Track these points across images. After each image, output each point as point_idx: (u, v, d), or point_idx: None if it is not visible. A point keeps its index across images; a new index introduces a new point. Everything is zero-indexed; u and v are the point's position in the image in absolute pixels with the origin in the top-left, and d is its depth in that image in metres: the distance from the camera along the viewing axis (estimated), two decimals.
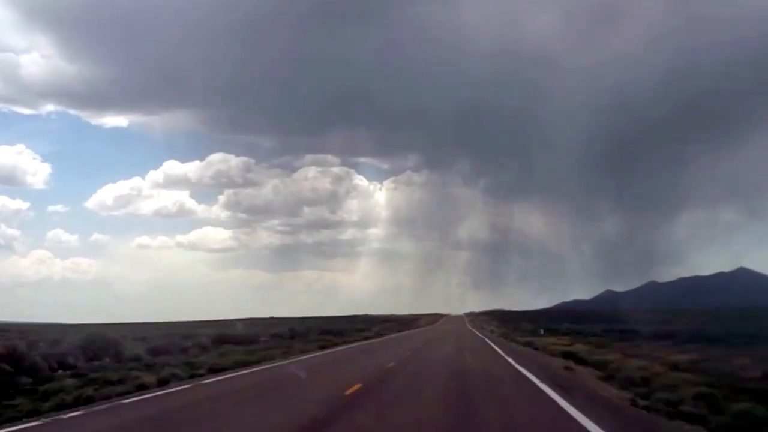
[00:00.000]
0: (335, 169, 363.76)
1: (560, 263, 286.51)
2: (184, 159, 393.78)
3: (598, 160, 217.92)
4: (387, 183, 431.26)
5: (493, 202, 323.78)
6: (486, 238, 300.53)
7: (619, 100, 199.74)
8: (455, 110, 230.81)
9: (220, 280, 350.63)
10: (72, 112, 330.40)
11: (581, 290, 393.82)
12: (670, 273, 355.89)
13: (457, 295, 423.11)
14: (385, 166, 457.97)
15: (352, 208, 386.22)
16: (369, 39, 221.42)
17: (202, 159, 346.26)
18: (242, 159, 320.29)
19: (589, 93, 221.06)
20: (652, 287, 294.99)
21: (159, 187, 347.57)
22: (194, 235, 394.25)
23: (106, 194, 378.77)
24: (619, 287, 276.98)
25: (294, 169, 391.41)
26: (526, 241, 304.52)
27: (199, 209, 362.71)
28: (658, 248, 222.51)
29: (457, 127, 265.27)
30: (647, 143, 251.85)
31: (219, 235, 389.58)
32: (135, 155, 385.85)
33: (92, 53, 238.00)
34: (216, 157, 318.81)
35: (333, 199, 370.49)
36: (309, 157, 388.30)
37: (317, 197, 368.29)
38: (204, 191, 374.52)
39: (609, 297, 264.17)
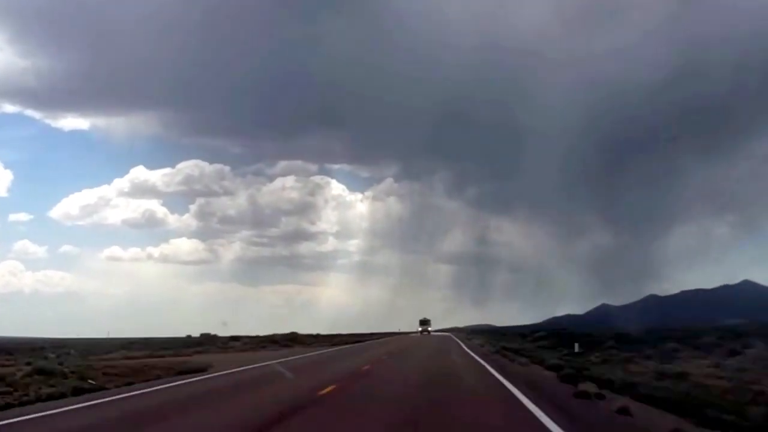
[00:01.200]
0: (311, 177, 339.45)
1: (548, 276, 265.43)
2: (151, 165, 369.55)
3: (595, 165, 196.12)
4: (367, 192, 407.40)
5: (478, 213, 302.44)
6: (470, 251, 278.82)
7: (617, 98, 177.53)
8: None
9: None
10: (28, 112, 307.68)
11: (573, 305, 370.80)
12: (670, 286, 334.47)
13: (440, 311, 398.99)
14: (365, 174, 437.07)
15: (324, 218, 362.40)
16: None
17: (172, 165, 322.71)
18: (215, 166, 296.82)
19: (582, 89, 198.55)
20: (652, 301, 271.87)
21: (126, 196, 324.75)
22: (166, 247, 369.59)
23: (71, 203, 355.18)
24: (616, 301, 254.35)
25: (269, 177, 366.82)
26: (511, 253, 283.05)
27: (171, 219, 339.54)
28: (658, 260, 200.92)
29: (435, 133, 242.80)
30: (646, 148, 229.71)
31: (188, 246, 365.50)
32: (98, 161, 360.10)
33: (49, 47, 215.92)
34: (186, 164, 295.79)
35: (302, 209, 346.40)
36: (282, 163, 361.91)
37: (287, 206, 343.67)
38: (174, 200, 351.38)
39: (604, 312, 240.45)
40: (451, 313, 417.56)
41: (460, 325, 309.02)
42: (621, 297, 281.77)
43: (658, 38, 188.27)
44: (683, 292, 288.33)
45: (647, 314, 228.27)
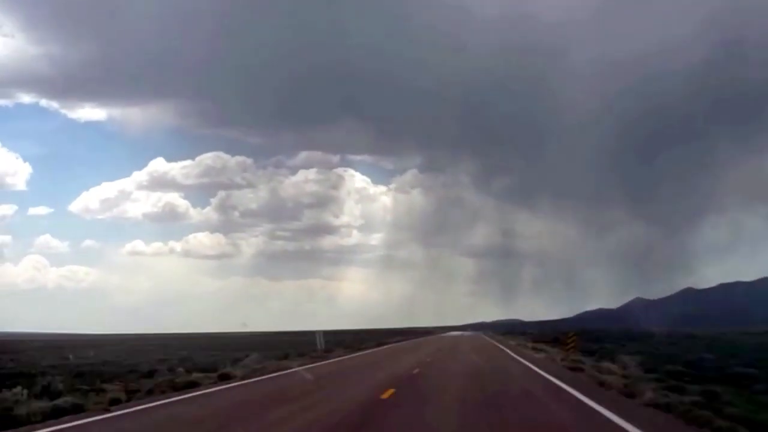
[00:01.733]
0: (334, 170, 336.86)
1: (579, 268, 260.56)
2: (171, 157, 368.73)
3: (633, 149, 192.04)
4: (391, 185, 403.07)
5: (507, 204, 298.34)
6: (497, 244, 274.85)
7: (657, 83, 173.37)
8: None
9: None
10: (44, 102, 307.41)
11: (605, 298, 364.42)
12: (708, 278, 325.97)
13: (464, 306, 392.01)
14: (389, 165, 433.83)
15: (346, 210, 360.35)
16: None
17: (192, 158, 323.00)
18: (236, 159, 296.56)
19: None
20: (689, 294, 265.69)
21: (146, 189, 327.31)
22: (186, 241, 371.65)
23: (90, 197, 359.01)
24: (650, 294, 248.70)
25: (291, 169, 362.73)
26: (540, 245, 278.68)
27: (192, 212, 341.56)
28: (695, 250, 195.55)
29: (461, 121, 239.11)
30: (687, 133, 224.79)
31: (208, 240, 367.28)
32: (116, 153, 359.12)
33: (63, 34, 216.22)
34: (206, 156, 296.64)
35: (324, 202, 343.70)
36: (303, 155, 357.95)
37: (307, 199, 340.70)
38: (195, 193, 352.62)
39: (638, 305, 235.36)
40: (477, 308, 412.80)
41: (487, 320, 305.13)
42: (656, 290, 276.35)
43: None
44: (722, 285, 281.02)
45: (683, 308, 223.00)
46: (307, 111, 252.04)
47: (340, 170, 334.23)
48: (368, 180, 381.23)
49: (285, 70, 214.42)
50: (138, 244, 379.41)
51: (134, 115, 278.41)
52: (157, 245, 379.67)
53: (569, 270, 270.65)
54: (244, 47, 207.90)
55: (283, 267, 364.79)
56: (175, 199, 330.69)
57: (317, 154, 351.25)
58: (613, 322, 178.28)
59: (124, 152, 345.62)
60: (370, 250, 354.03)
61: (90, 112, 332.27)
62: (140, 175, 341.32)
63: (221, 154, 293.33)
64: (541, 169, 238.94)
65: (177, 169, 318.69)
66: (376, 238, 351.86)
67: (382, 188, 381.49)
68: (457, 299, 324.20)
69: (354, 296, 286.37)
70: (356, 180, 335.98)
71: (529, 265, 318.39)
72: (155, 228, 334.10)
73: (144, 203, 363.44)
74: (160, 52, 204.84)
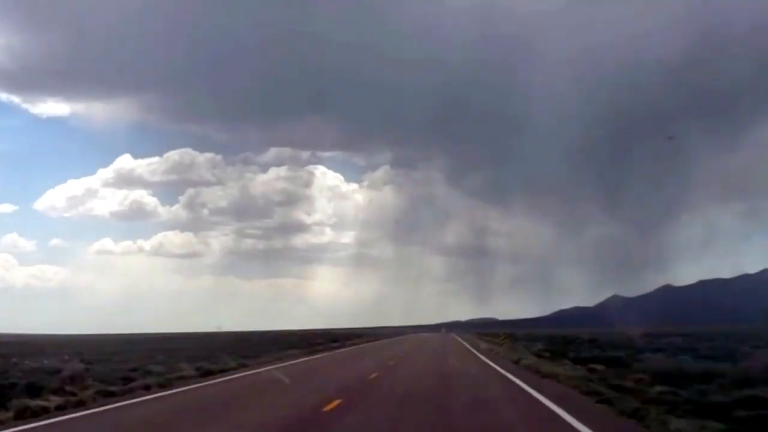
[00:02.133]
0: (306, 167, 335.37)
1: (555, 265, 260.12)
2: (137, 154, 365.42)
3: (606, 146, 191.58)
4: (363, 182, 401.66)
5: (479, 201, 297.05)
6: (470, 242, 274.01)
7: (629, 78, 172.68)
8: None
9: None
10: (4, 97, 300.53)
11: (582, 296, 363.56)
12: (686, 275, 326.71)
13: (438, 305, 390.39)
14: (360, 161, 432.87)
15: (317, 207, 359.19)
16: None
17: (159, 154, 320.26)
18: (205, 155, 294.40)
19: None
20: (667, 292, 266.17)
21: (112, 186, 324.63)
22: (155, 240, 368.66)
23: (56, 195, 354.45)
24: (628, 292, 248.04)
25: (260, 165, 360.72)
26: (514, 243, 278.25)
27: (161, 210, 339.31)
28: (673, 247, 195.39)
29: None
30: (661, 131, 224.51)
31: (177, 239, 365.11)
32: (80, 149, 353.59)
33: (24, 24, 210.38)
34: (174, 152, 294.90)
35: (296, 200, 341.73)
36: (272, 151, 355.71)
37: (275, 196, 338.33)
38: (163, 190, 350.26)
39: (616, 303, 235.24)
40: (450, 306, 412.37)
41: (462, 318, 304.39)
42: (633, 288, 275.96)
43: None
44: (700, 282, 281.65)
45: (662, 305, 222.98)
46: (274, 106, 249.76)
47: (310, 167, 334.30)
48: (341, 177, 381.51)
49: (251, 64, 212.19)
50: (106, 243, 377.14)
51: (98, 110, 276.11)
52: (125, 244, 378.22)
53: (545, 267, 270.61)
54: (209, 40, 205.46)
55: (254, 266, 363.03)
56: (143, 196, 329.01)
57: (287, 150, 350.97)
58: (590, 320, 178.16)
59: (89, 148, 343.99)
60: (342, 249, 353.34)
61: (53, 107, 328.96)
62: (106, 172, 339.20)
63: (189, 150, 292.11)
64: (513, 163, 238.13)
65: (144, 166, 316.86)
66: (348, 236, 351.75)
67: (354, 186, 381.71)
68: (430, 298, 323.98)
69: (326, 295, 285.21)
70: (328, 177, 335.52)
71: (504, 262, 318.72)
72: (123, 226, 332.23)
73: (111, 201, 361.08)
74: (122, 44, 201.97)
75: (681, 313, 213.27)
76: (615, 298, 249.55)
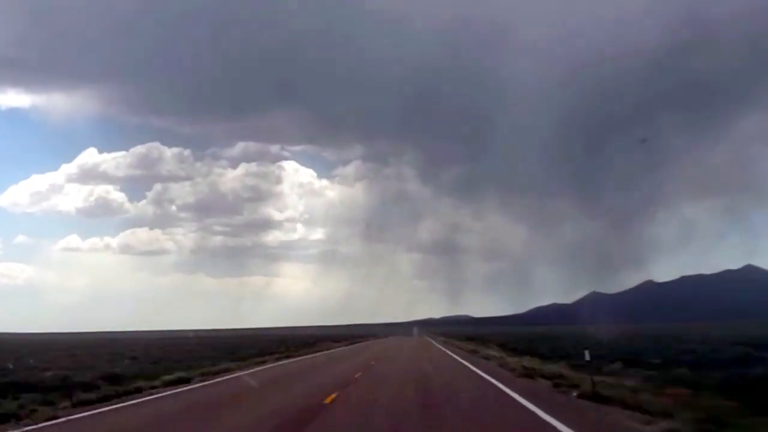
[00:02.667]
0: (278, 162, 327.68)
1: (531, 263, 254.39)
2: (102, 148, 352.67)
3: (583, 140, 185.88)
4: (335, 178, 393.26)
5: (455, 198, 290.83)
6: (443, 239, 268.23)
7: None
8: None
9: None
10: None
11: (560, 293, 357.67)
12: (669, 271, 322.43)
13: (410, 302, 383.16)
14: (331, 156, 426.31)
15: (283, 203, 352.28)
16: None
17: (126, 149, 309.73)
18: (173, 150, 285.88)
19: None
20: (649, 287, 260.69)
21: (77, 182, 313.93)
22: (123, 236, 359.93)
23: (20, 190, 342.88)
24: (608, 288, 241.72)
25: (228, 160, 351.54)
26: (490, 238, 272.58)
27: (128, 206, 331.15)
28: (654, 243, 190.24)
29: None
30: (640, 125, 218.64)
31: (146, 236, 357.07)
32: (44, 142, 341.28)
33: None
34: (141, 147, 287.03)
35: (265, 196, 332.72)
36: (240, 145, 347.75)
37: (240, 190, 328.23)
38: (130, 186, 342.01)
39: (595, 300, 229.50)
40: (423, 304, 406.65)
41: (435, 316, 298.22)
42: (613, 284, 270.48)
43: None
44: (683, 278, 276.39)
45: (644, 301, 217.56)
46: (240, 98, 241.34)
47: (282, 162, 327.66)
48: (313, 173, 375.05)
49: (215, 53, 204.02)
50: (73, 240, 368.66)
51: (59, 102, 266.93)
52: (93, 240, 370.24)
53: (521, 264, 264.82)
54: (171, 29, 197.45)
55: (223, 263, 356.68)
56: (110, 192, 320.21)
57: (255, 145, 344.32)
58: (567, 317, 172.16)
59: (53, 142, 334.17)
60: (313, 246, 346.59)
61: (13, 98, 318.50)
62: (71, 168, 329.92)
63: (157, 144, 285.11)
64: (488, 157, 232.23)
65: (110, 160, 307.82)
66: (319, 233, 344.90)
67: (325, 182, 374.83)
68: (402, 295, 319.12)
69: (296, 293, 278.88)
70: (299, 172, 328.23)
71: (478, 259, 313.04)
72: (90, 223, 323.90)
73: (76, 197, 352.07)
74: (81, 32, 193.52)
75: (661, 311, 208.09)
76: (594, 294, 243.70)
